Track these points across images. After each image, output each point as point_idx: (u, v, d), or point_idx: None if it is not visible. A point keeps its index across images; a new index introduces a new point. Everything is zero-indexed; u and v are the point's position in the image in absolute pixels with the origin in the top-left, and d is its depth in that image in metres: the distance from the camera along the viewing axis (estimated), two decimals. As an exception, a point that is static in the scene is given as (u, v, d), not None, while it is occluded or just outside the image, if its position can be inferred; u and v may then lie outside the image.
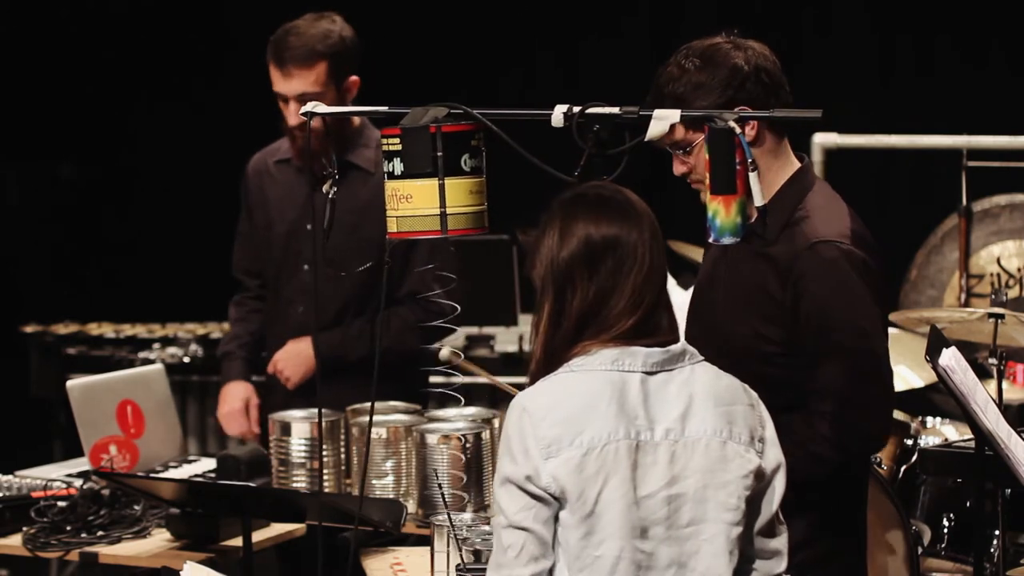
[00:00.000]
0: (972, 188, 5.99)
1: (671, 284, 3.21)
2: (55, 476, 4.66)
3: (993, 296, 4.80)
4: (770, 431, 3.09)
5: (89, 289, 7.95)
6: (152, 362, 6.42)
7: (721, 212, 3.22)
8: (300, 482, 4.50)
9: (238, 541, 4.10)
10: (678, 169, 3.61)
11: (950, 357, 3.60)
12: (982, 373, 4.24)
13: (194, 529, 4.20)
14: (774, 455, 3.08)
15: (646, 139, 3.31)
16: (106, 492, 4.33)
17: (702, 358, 3.08)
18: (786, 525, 3.12)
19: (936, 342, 3.64)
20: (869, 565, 3.78)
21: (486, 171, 3.36)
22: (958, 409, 3.71)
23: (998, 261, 6.01)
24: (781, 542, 3.11)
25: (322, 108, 3.55)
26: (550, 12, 7.84)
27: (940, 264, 6.09)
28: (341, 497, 4.39)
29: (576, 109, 3.30)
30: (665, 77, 3.55)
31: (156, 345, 6.72)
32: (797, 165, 3.65)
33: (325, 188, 3.46)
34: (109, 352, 6.76)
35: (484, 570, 3.36)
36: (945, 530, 4.89)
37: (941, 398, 5.63)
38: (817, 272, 3.48)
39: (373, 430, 4.40)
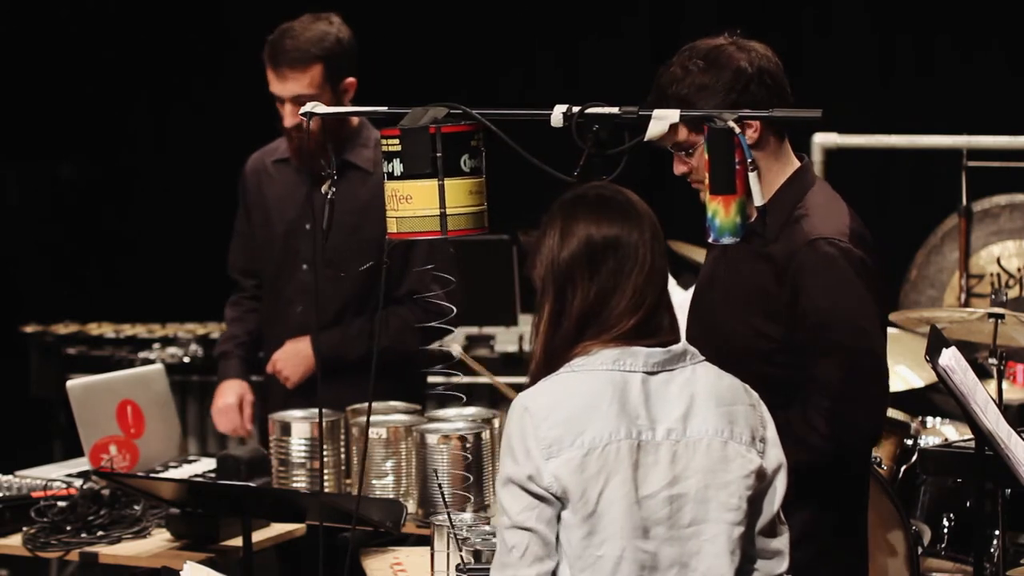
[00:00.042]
0: (972, 188, 5.99)
1: (671, 284, 3.21)
2: (55, 476, 4.66)
3: (993, 296, 4.80)
4: (771, 431, 3.09)
5: (89, 289, 7.95)
6: (152, 362, 6.42)
7: (720, 212, 3.22)
8: (300, 482, 4.50)
9: (238, 541, 4.10)
10: (678, 169, 3.61)
11: (950, 357, 3.60)
12: (982, 373, 4.24)
13: (194, 529, 4.20)
14: (775, 455, 3.08)
15: (645, 139, 3.31)
16: (106, 492, 4.33)
17: (703, 358, 3.09)
18: (787, 525, 3.13)
19: (936, 342, 3.64)
20: (869, 565, 3.77)
21: (486, 171, 3.36)
22: (958, 409, 3.72)
23: (998, 261, 6.01)
24: (782, 542, 3.11)
25: (321, 108, 3.55)
26: (550, 12, 7.84)
27: (940, 264, 6.09)
28: (341, 497, 4.39)
29: (575, 109, 3.30)
30: (668, 77, 3.55)
31: (156, 345, 6.72)
32: (797, 164, 3.65)
33: (324, 189, 3.46)
34: (109, 352, 6.76)
35: (484, 570, 3.37)
36: (945, 530, 4.89)
37: (941, 398, 5.63)
38: (815, 268, 3.48)
39: (373, 430, 4.40)
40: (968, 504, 4.86)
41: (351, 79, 4.93)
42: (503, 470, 3.00)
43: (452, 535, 3.59)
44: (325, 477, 4.52)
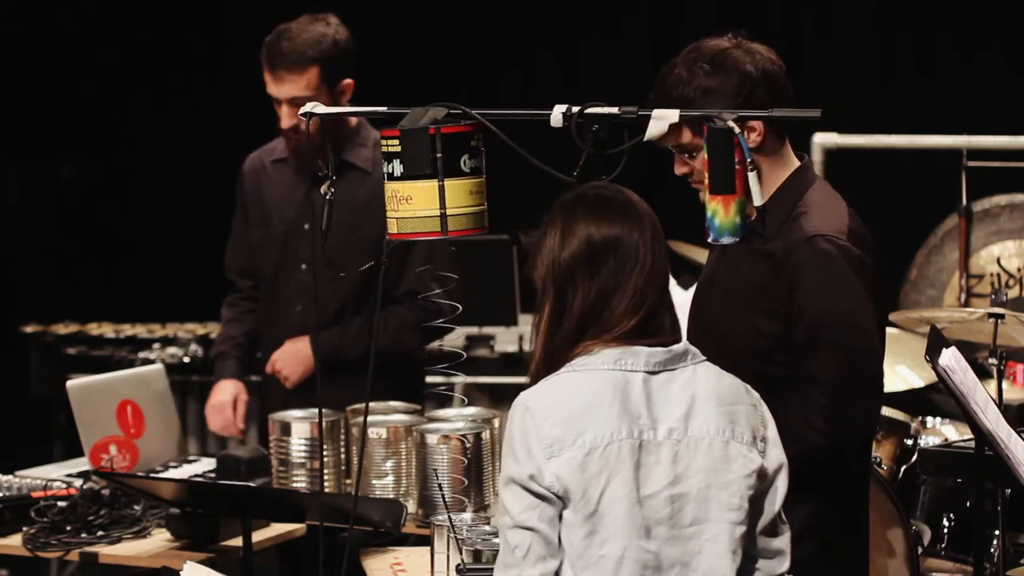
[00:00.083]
0: (972, 188, 5.99)
1: (671, 284, 3.21)
2: (55, 476, 4.66)
3: (993, 296, 4.80)
4: (772, 431, 3.09)
5: (89, 289, 7.95)
6: (152, 362, 6.42)
7: (720, 212, 3.22)
8: (300, 482, 4.50)
9: (238, 541, 4.10)
10: (679, 169, 3.62)
11: (950, 357, 3.61)
12: (982, 373, 4.24)
13: (194, 529, 4.20)
14: (776, 455, 3.09)
15: (645, 139, 3.31)
16: (106, 492, 4.33)
17: (704, 358, 3.09)
18: (788, 525, 3.13)
19: (936, 342, 3.64)
20: (869, 565, 3.78)
21: (486, 171, 3.36)
22: (958, 409, 3.72)
23: (998, 261, 6.01)
24: (784, 542, 3.11)
25: (321, 108, 3.55)
26: (550, 12, 7.84)
27: (940, 264, 6.09)
28: (341, 497, 4.39)
29: (575, 109, 3.30)
30: (673, 79, 3.55)
31: (156, 345, 6.72)
32: (797, 164, 3.66)
33: (323, 190, 3.46)
34: (109, 352, 6.76)
35: (484, 570, 3.37)
36: (945, 530, 4.89)
37: (941, 398, 5.63)
38: (812, 265, 3.49)
39: (373, 430, 4.40)
40: (968, 504, 4.86)
41: (348, 80, 4.92)
42: (505, 470, 3.00)
43: (452, 535, 3.59)
44: (325, 477, 4.52)
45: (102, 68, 8.04)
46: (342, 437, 4.60)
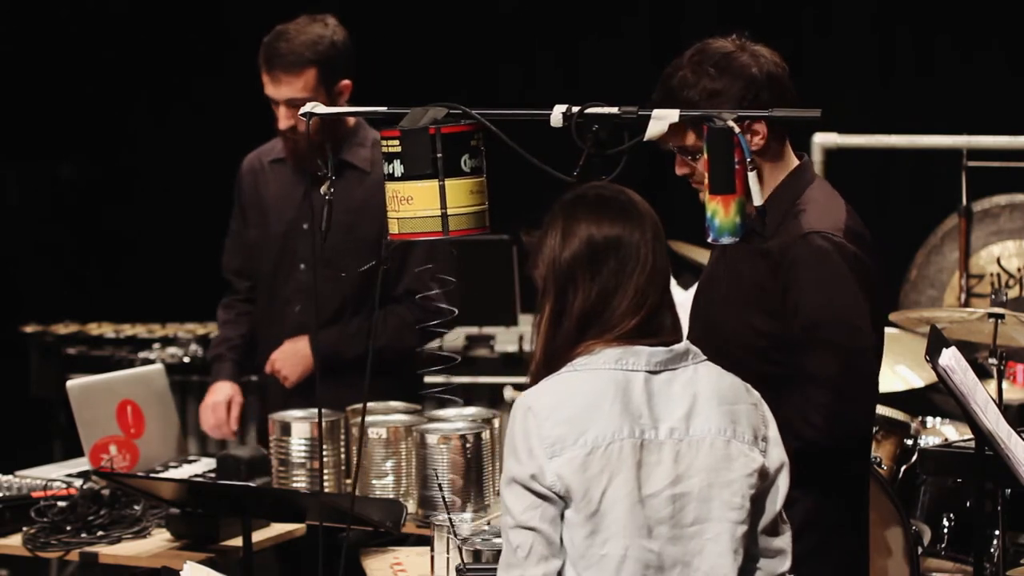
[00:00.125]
0: (972, 188, 5.99)
1: (671, 284, 3.21)
2: (55, 476, 4.66)
3: (993, 296, 4.80)
4: (773, 430, 3.10)
5: (89, 289, 7.95)
6: (152, 362, 6.42)
7: (720, 212, 3.22)
8: (300, 482, 4.50)
9: (238, 541, 4.10)
10: (680, 170, 3.62)
11: (950, 357, 3.61)
12: (982, 373, 4.24)
13: (194, 529, 4.20)
14: (777, 454, 3.09)
15: (645, 139, 3.31)
16: (106, 492, 4.33)
17: (705, 358, 3.09)
18: (789, 524, 3.13)
19: (936, 342, 3.64)
20: (869, 565, 3.78)
21: (486, 171, 3.36)
22: (958, 409, 3.72)
23: (998, 261, 6.01)
24: (785, 541, 3.11)
25: (321, 108, 3.55)
26: (550, 12, 7.83)
27: (940, 264, 6.09)
28: (340, 497, 4.39)
29: (575, 109, 3.30)
30: (678, 81, 3.56)
31: (156, 345, 6.72)
32: (796, 162, 3.66)
33: (323, 190, 3.46)
34: (109, 352, 6.76)
35: (484, 570, 3.37)
36: (945, 530, 4.89)
37: (941, 398, 5.64)
38: (808, 262, 3.49)
39: (373, 430, 4.40)
40: (968, 504, 4.86)
41: (346, 82, 4.92)
42: (506, 470, 3.00)
43: (452, 535, 3.59)
44: (325, 477, 4.52)
45: (102, 68, 8.03)
46: (342, 437, 4.60)
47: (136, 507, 4.32)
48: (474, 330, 6.63)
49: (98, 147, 8.15)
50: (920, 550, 4.75)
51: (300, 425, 4.53)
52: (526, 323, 6.47)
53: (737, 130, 3.20)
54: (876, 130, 6.27)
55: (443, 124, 3.30)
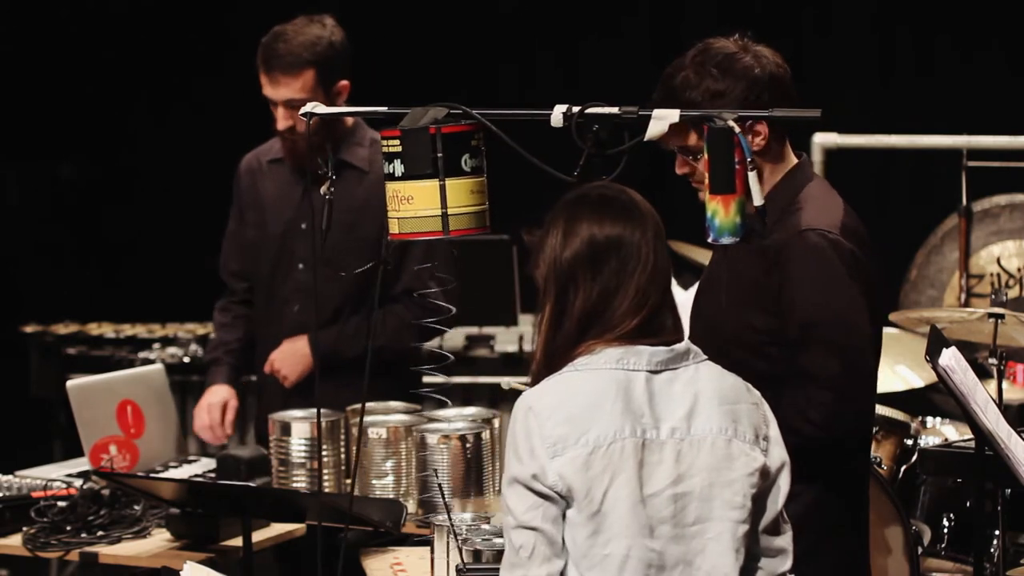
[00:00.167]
0: (972, 188, 5.99)
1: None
2: (55, 476, 4.66)
3: (993, 296, 4.80)
4: (774, 429, 3.10)
5: (89, 289, 7.94)
6: (152, 362, 6.42)
7: (720, 212, 3.22)
8: (300, 482, 4.50)
9: (238, 541, 4.10)
10: (680, 169, 3.63)
11: (950, 357, 3.61)
12: (982, 373, 4.24)
13: (194, 529, 4.20)
14: (778, 454, 3.09)
15: (645, 139, 3.31)
16: (106, 492, 4.33)
17: (706, 357, 3.09)
18: (790, 524, 3.13)
19: (936, 342, 3.64)
20: (870, 564, 3.78)
21: (486, 170, 3.36)
22: (958, 409, 3.72)
23: (998, 261, 6.01)
24: (786, 540, 3.12)
25: (321, 108, 3.55)
26: (550, 12, 7.84)
27: (940, 264, 6.09)
28: (340, 497, 4.39)
29: (576, 109, 3.31)
30: (680, 81, 3.56)
31: (156, 345, 6.72)
32: (794, 161, 3.67)
33: (323, 190, 3.46)
34: (109, 352, 6.76)
35: (484, 570, 3.37)
36: (945, 530, 4.89)
37: (941, 398, 5.64)
38: (803, 259, 3.50)
39: (373, 430, 4.40)
40: (968, 504, 4.86)
41: (344, 82, 4.92)
42: (508, 470, 3.00)
43: (452, 535, 3.59)
44: (325, 477, 4.52)
45: (102, 68, 8.03)
46: (342, 437, 4.60)
47: (136, 507, 4.32)
48: (474, 330, 6.63)
49: (98, 147, 8.15)
50: (920, 550, 4.75)
51: (300, 425, 4.53)
52: (526, 323, 6.47)
53: (737, 130, 3.20)
54: (876, 130, 6.27)
55: (443, 124, 3.30)
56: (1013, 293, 5.86)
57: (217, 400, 5.04)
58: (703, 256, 5.62)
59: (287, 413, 4.60)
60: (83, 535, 4.23)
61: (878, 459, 4.95)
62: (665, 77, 3.60)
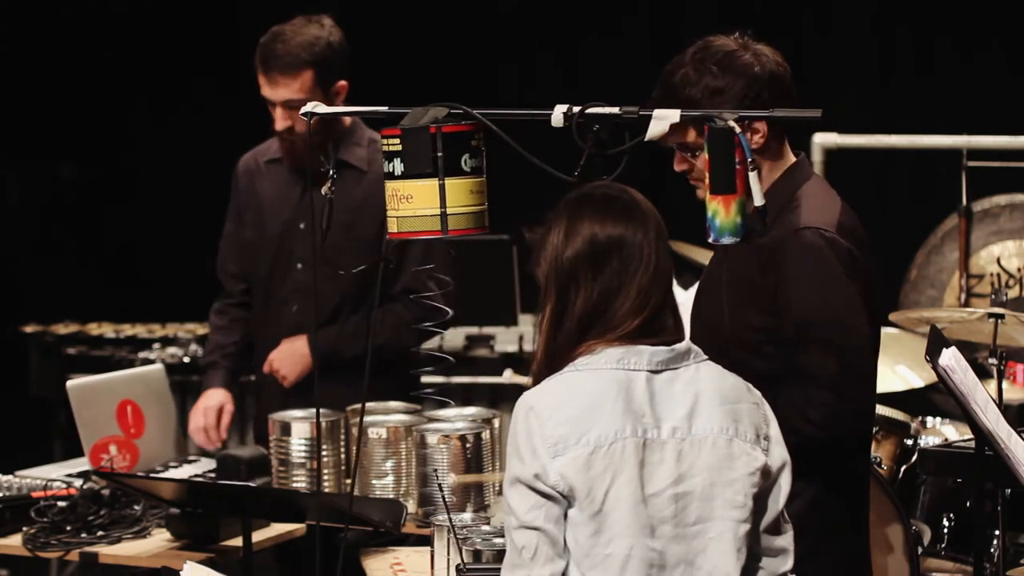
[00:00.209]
0: (972, 188, 5.99)
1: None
2: (55, 476, 4.66)
3: (993, 296, 4.80)
4: (775, 429, 3.10)
5: (89, 289, 7.95)
6: (152, 362, 6.42)
7: (721, 212, 3.22)
8: (300, 482, 4.50)
9: (238, 541, 4.10)
10: (679, 166, 3.63)
11: (950, 357, 3.61)
12: (982, 373, 4.24)
13: (194, 529, 4.20)
14: (779, 453, 3.09)
15: (646, 139, 3.31)
16: (106, 492, 4.33)
17: (706, 357, 3.09)
18: (791, 524, 3.13)
19: (936, 342, 3.64)
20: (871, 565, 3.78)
21: (486, 171, 3.36)
22: (958, 409, 3.72)
23: (998, 261, 6.01)
24: (787, 540, 3.12)
25: (322, 108, 3.55)
26: (550, 12, 7.84)
27: (940, 264, 6.09)
28: (340, 497, 4.39)
29: (576, 109, 3.31)
30: (680, 78, 3.56)
31: (156, 345, 6.72)
32: (793, 160, 3.66)
33: (324, 190, 3.46)
34: (109, 352, 6.76)
35: (484, 570, 3.37)
36: (945, 530, 4.89)
37: (941, 398, 5.63)
38: (799, 258, 3.50)
39: (373, 430, 4.40)
40: (968, 504, 4.86)
41: (343, 82, 4.91)
42: (510, 470, 3.00)
43: (452, 535, 3.59)
44: (325, 477, 4.52)
45: (102, 68, 8.04)
46: (342, 437, 4.60)
47: (136, 507, 4.32)
48: (474, 330, 6.63)
49: (98, 147, 8.15)
50: (920, 550, 4.75)
51: (300, 425, 4.53)
52: (526, 323, 6.47)
53: (738, 130, 3.20)
54: (876, 130, 6.27)
55: (444, 123, 3.30)
56: (1013, 293, 5.86)
57: (213, 404, 5.03)
58: (703, 256, 5.62)
59: (287, 413, 4.60)
60: (83, 535, 4.23)
61: (878, 459, 4.95)
62: (665, 74, 3.60)
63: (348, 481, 4.60)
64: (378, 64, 6.87)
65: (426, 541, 3.80)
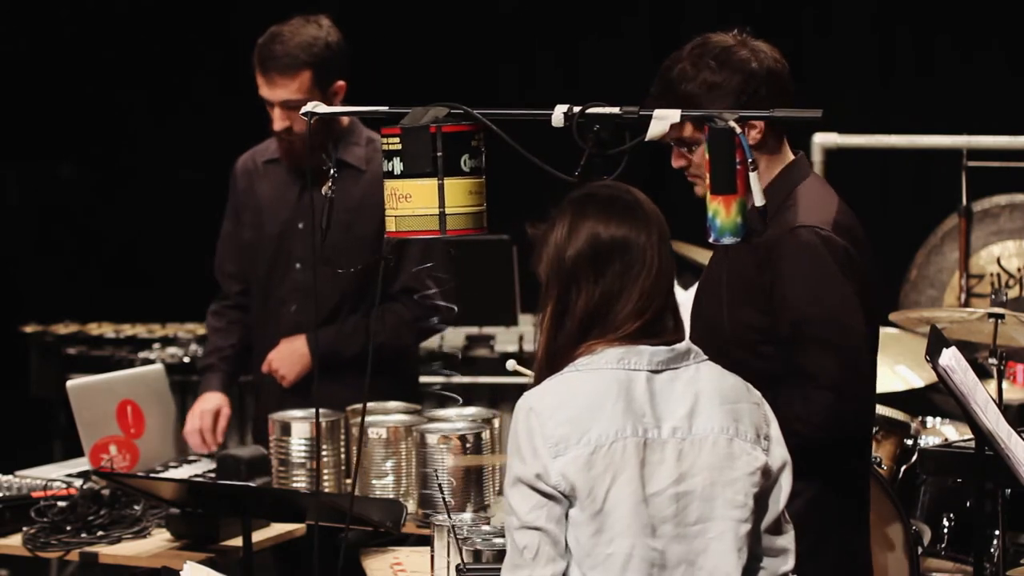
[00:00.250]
0: (972, 188, 5.99)
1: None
2: (55, 476, 4.66)
3: (993, 296, 4.80)
4: (775, 429, 3.10)
5: (89, 289, 7.95)
6: (152, 362, 6.42)
7: (721, 212, 3.22)
8: (300, 482, 4.50)
9: (238, 541, 4.10)
10: (676, 162, 3.63)
11: (950, 357, 3.61)
12: (982, 373, 4.24)
13: (194, 529, 4.20)
14: (780, 453, 3.09)
15: (646, 139, 3.31)
16: (106, 492, 4.33)
17: (706, 357, 3.09)
18: (792, 523, 3.13)
19: (936, 342, 3.64)
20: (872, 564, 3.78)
21: (486, 171, 3.36)
22: (958, 409, 3.72)
23: (998, 261, 6.01)
24: (788, 540, 3.12)
25: (322, 108, 3.55)
26: (550, 12, 7.84)
27: (940, 264, 6.09)
28: (340, 497, 4.39)
29: (576, 109, 3.30)
30: (678, 73, 3.56)
31: (156, 345, 6.72)
32: (791, 158, 3.66)
33: (324, 190, 3.46)
34: (109, 352, 6.76)
35: (484, 570, 3.37)
36: (945, 530, 4.89)
37: (941, 398, 5.63)
38: (794, 256, 3.49)
39: (373, 430, 4.40)
40: (968, 504, 4.86)
41: (341, 82, 4.91)
42: (510, 470, 3.00)
43: (452, 535, 3.59)
44: (325, 477, 4.52)
45: (102, 68, 8.04)
46: (342, 437, 4.60)
47: (136, 507, 4.32)
48: (474, 330, 6.63)
49: (98, 147, 8.15)
50: (920, 550, 4.75)
51: (300, 425, 4.53)
52: (526, 323, 6.47)
53: (739, 130, 3.20)
54: (876, 130, 6.28)
55: (444, 123, 3.30)
56: (1013, 293, 5.86)
57: (210, 407, 5.02)
58: (703, 256, 5.62)
59: (287, 413, 4.60)
60: (83, 535, 4.23)
61: (878, 459, 4.95)
62: (663, 69, 3.60)
63: (348, 481, 4.60)
64: (378, 64, 6.87)
65: (426, 541, 3.80)
